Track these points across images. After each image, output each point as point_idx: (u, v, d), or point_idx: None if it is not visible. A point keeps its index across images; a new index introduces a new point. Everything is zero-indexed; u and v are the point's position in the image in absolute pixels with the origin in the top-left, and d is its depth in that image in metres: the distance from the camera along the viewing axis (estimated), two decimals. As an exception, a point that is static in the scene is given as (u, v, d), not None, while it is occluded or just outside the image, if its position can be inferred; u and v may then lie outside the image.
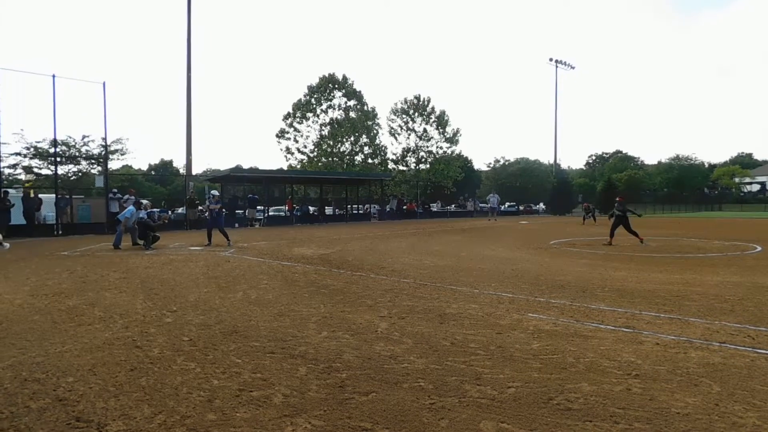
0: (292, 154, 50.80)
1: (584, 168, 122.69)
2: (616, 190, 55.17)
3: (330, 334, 5.73)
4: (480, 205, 50.38)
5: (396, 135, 54.13)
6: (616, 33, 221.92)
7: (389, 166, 53.47)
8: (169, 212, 31.88)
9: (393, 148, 56.78)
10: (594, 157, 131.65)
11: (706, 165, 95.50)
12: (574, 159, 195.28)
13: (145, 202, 17.81)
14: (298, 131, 50.73)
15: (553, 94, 57.40)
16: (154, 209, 17.46)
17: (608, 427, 3.40)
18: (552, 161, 63.55)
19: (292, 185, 41.13)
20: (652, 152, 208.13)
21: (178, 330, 5.99)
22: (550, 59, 55.79)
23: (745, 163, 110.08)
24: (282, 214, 37.60)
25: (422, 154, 54.30)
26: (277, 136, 50.86)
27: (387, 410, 3.70)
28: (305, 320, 6.41)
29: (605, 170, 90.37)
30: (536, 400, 3.85)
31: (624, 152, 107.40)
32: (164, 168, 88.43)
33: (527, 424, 3.46)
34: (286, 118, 50.72)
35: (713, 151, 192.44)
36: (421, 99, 53.57)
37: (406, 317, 6.53)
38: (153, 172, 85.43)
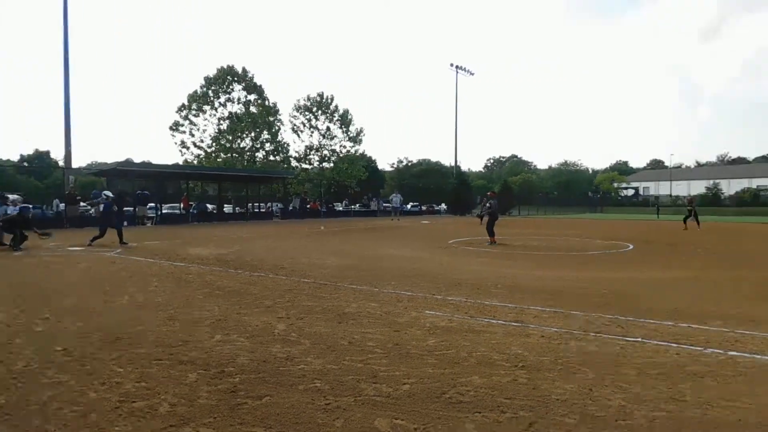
0: (188, 148, 48.50)
1: (483, 170, 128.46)
2: (512, 192, 58.19)
3: (224, 338, 5.53)
4: (384, 204, 50.99)
5: (299, 132, 53.48)
6: (512, 42, 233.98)
7: (292, 164, 52.74)
8: (31, 207, 29.15)
9: (296, 145, 55.77)
10: (492, 161, 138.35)
11: (590, 171, 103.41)
12: (473, 161, 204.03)
13: (13, 197, 16.12)
14: (195, 124, 48.54)
15: (454, 97, 59.31)
16: (28, 205, 15.90)
17: (495, 416, 3.57)
18: (453, 163, 65.80)
19: (188, 181, 39.31)
20: (544, 157, 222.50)
21: (51, 339, 5.49)
22: (451, 64, 57.71)
23: (622, 169, 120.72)
24: (177, 212, 35.85)
25: (326, 152, 54.10)
26: (171, 128, 48.31)
27: (281, 413, 3.63)
28: (197, 324, 6.15)
29: (502, 173, 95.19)
30: (430, 395, 3.95)
31: (519, 157, 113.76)
32: (39, 159, 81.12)
33: (420, 418, 3.54)
34: (180, 109, 48.32)
35: (596, 158, 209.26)
36: (325, 97, 53.32)
37: (304, 318, 6.46)
38: (26, 164, 78.04)
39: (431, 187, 71.69)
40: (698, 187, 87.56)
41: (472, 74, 59.74)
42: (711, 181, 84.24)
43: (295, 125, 53.38)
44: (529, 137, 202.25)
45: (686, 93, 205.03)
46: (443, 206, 61.43)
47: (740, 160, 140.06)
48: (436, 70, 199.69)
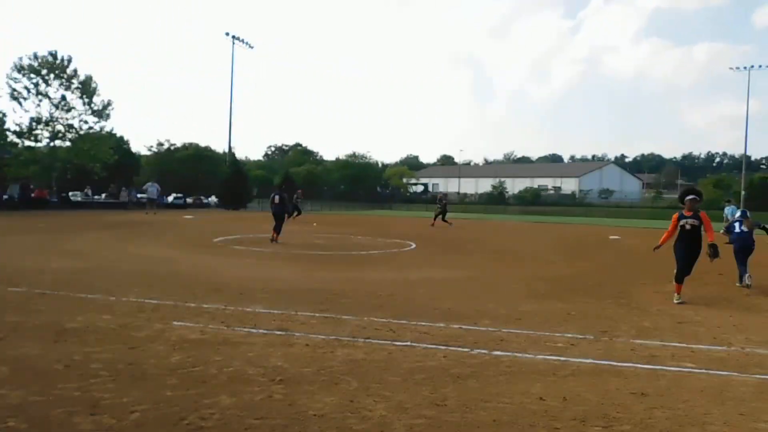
0: None
1: (263, 159, 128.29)
2: (294, 184, 59.05)
3: None
4: (137, 195, 47.76)
5: (21, 100, 47.12)
6: (298, 21, 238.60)
7: (9, 140, 46.33)
8: None
9: (16, 116, 48.92)
10: (273, 148, 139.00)
11: (380, 164, 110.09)
12: (252, 149, 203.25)
13: None
14: None
15: (229, 75, 57.97)
16: None
17: (241, 441, 3.54)
18: (227, 149, 64.32)
19: None
20: (331, 148, 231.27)
21: None
22: (227, 33, 56.35)
23: (413, 164, 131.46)
24: None
25: (60, 127, 48.57)
26: None
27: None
28: None
29: (284, 163, 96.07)
30: (164, 423, 3.77)
31: (304, 146, 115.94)
32: None
33: (148, 452, 3.35)
34: None
35: (387, 151, 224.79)
36: (60, 58, 47.85)
37: (5, 338, 5.80)
38: None
39: (199, 176, 69.28)
40: (485, 185, 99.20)
41: (252, 47, 59.07)
42: (497, 179, 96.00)
43: (15, 90, 46.82)
44: (316, 125, 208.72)
45: (478, 90, 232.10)
46: (213, 199, 59.86)
47: (525, 160, 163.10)
48: (208, 40, 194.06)
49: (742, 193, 60.12)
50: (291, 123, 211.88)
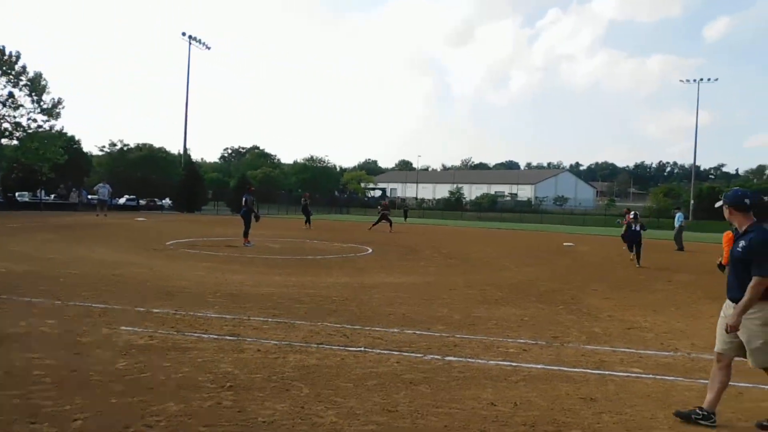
0: None
1: (219, 161, 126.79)
2: (251, 187, 58.47)
3: None
4: (88, 196, 46.52)
5: (-35, 96, 45.50)
6: (256, 23, 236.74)
7: (-48, 138, 44.64)
8: None
9: (-40, 113, 47.27)
10: (230, 151, 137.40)
11: (338, 168, 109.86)
12: (208, 151, 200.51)
13: None
14: None
15: (185, 75, 57.11)
16: None
17: (188, 449, 3.48)
18: (182, 150, 63.30)
19: None
20: (288, 151, 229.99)
21: None
22: (183, 33, 55.57)
23: (371, 169, 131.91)
24: None
25: (6, 125, 47.04)
26: None
27: None
28: None
29: (241, 166, 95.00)
30: (107, 431, 3.68)
31: (261, 148, 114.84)
32: None
33: (89, 462, 3.26)
34: None
35: (345, 155, 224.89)
36: (8, 54, 46.32)
37: (-58, 344, 5.54)
38: None
39: (154, 177, 67.99)
40: (443, 191, 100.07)
41: (209, 48, 58.42)
42: (455, 185, 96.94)
43: (-43, 87, 45.13)
44: (274, 128, 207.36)
45: (437, 96, 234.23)
46: (167, 201, 58.79)
47: (482, 166, 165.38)
48: (165, 40, 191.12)
49: (691, 202, 62.04)
50: (248, 125, 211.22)
